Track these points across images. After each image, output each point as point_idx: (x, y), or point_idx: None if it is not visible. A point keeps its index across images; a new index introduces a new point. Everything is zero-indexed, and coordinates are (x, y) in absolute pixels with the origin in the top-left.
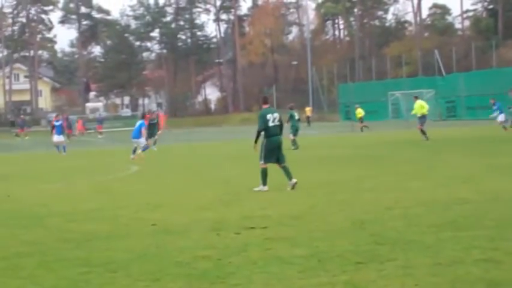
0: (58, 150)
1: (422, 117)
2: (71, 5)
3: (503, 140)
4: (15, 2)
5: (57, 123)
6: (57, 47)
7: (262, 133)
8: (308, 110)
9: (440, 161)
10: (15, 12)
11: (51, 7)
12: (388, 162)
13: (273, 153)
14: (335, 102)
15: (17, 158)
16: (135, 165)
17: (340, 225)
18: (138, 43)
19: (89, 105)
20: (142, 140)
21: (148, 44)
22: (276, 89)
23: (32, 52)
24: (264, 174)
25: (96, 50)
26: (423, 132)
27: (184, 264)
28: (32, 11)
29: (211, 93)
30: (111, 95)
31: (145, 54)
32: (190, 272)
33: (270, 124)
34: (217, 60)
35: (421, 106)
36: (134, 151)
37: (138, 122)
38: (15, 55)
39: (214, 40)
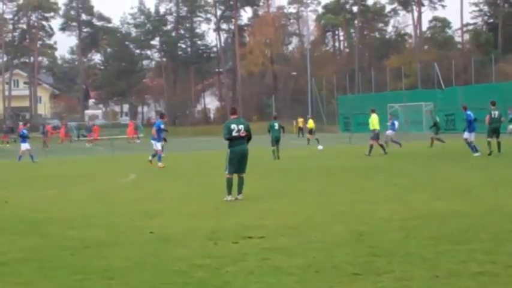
0: (32, 159)
1: (374, 132)
2: (72, 12)
3: (502, 153)
4: (16, 8)
5: (23, 132)
6: (57, 53)
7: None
8: (300, 121)
9: (438, 174)
10: (16, 18)
11: (52, 14)
12: (385, 174)
13: (235, 163)
14: (334, 114)
15: (14, 164)
16: (133, 173)
17: (338, 236)
18: (138, 51)
19: (88, 112)
20: (158, 145)
21: (149, 52)
22: (275, 99)
23: (32, 58)
24: (228, 183)
25: (96, 57)
26: (382, 147)
27: (181, 273)
28: (33, 18)
29: (211, 102)
30: (110, 102)
31: (145, 62)
32: (187, 280)
33: (234, 134)
34: (217, 70)
35: (373, 121)
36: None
37: (156, 122)
38: (15, 61)
39: (214, 49)
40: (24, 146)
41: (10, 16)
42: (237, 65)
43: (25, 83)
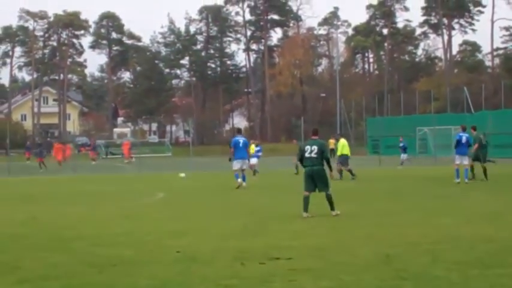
0: None
1: (343, 157)
2: (102, 30)
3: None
4: (46, 26)
5: None
6: (86, 71)
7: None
8: (331, 142)
9: (467, 198)
10: (47, 35)
11: (82, 32)
12: (414, 198)
13: (310, 182)
14: (363, 136)
15: (43, 180)
16: (161, 191)
17: (366, 259)
18: (167, 70)
19: (117, 130)
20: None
21: (178, 71)
22: (304, 120)
23: (61, 76)
24: (304, 201)
25: (126, 75)
26: (350, 172)
27: None
28: (63, 35)
29: (239, 122)
30: (139, 121)
31: (174, 81)
32: None
33: (306, 155)
34: (246, 90)
35: (343, 146)
36: None
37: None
38: (45, 78)
39: (244, 69)
40: None
41: (41, 33)
42: (266, 86)
43: (54, 100)
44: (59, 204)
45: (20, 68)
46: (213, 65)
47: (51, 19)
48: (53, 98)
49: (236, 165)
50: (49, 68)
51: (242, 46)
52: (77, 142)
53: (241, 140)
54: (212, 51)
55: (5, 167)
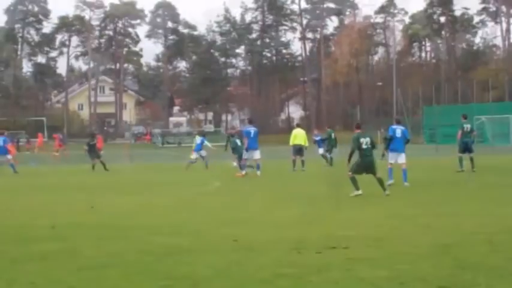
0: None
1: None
2: (158, 20)
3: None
4: (103, 15)
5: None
6: (142, 60)
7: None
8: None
9: None
10: (103, 25)
11: (138, 21)
12: (471, 187)
13: (362, 169)
14: (419, 125)
15: (99, 169)
16: (217, 180)
17: (423, 249)
18: (223, 59)
19: (173, 119)
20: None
21: (234, 61)
22: (360, 109)
23: (118, 65)
24: (352, 180)
25: (182, 65)
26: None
27: (265, 282)
28: (119, 24)
29: (295, 111)
30: (195, 110)
31: (230, 70)
32: None
33: (363, 146)
34: (301, 79)
35: (294, 136)
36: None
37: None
38: (102, 67)
39: (299, 58)
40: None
41: (97, 23)
42: (321, 75)
43: (111, 89)
44: (115, 193)
45: (76, 57)
46: (268, 54)
47: (108, 8)
48: (110, 87)
49: (247, 154)
50: (105, 58)
51: (298, 35)
52: (133, 131)
53: (252, 130)
54: (268, 40)
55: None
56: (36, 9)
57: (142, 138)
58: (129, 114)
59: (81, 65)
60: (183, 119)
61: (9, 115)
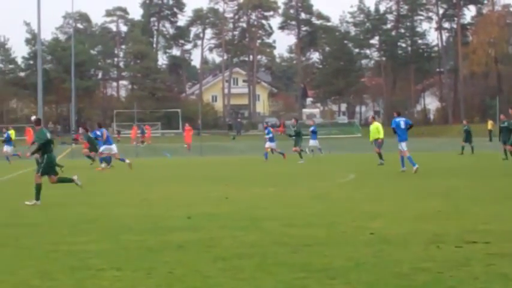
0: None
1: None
2: (291, 11)
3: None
4: (236, 7)
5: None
6: (275, 52)
7: None
8: (490, 123)
9: None
10: (236, 17)
11: (271, 13)
12: None
13: None
14: None
15: (234, 161)
16: (352, 172)
17: None
18: (357, 50)
19: (306, 111)
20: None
21: (367, 51)
22: (500, 100)
23: (251, 57)
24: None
25: (315, 56)
26: (380, 155)
27: (403, 276)
28: (253, 16)
29: (431, 102)
30: (328, 101)
31: (363, 61)
32: (409, 283)
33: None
34: (438, 69)
35: (378, 130)
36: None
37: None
38: (235, 59)
39: (436, 49)
40: (7, 148)
41: (231, 15)
42: (459, 65)
43: (244, 81)
44: (250, 184)
45: (210, 49)
46: (403, 45)
47: (241, 1)
48: (243, 79)
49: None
50: (239, 50)
51: (434, 25)
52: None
53: (402, 121)
54: (403, 31)
55: (197, 147)
56: (171, 2)
57: (275, 130)
58: (262, 106)
59: (214, 57)
60: (316, 111)
61: (145, 107)
